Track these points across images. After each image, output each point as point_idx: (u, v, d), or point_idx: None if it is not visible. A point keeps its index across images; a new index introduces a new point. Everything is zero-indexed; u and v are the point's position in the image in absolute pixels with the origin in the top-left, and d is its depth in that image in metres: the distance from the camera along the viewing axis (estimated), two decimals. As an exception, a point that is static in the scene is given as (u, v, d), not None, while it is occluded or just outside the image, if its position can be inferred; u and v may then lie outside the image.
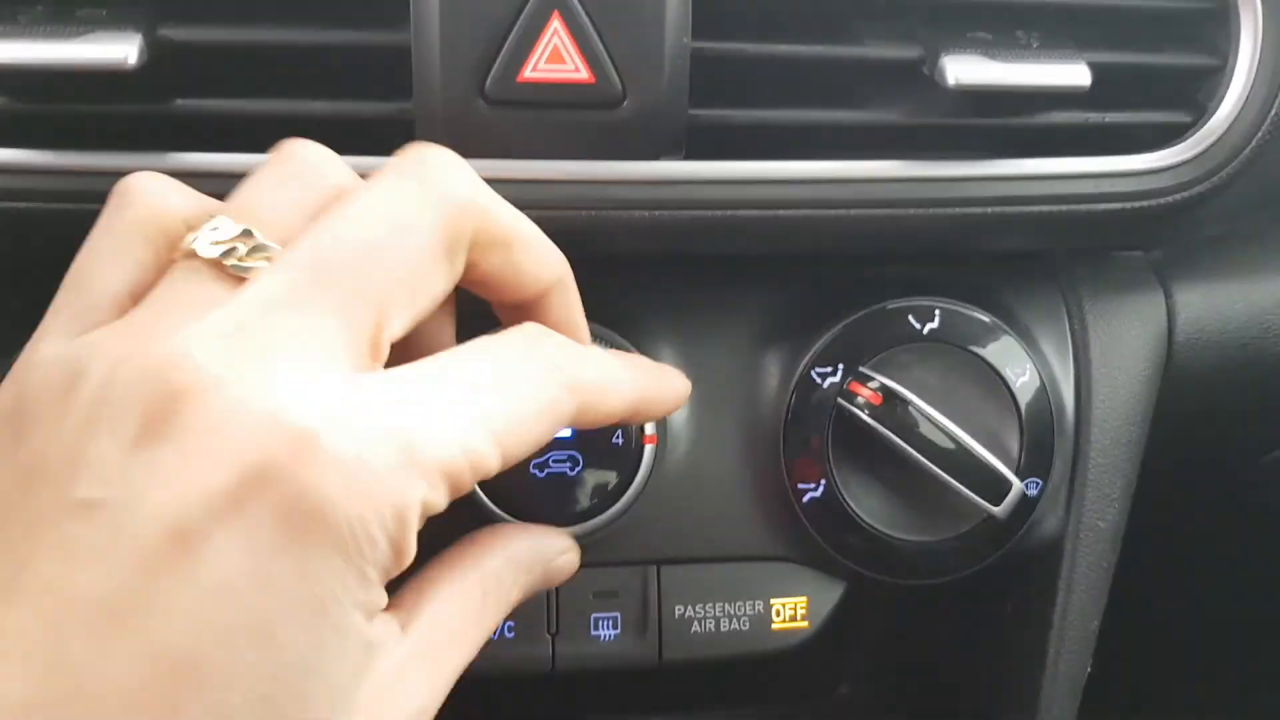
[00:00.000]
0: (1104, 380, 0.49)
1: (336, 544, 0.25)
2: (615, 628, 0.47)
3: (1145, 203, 0.44)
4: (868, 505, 0.46)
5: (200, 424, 0.25)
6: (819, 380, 0.46)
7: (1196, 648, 0.75)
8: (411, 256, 0.29)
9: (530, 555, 0.36)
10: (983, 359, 0.46)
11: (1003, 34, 0.41)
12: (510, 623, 0.46)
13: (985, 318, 0.47)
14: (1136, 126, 0.44)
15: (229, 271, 0.28)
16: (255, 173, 0.31)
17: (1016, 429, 0.46)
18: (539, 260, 0.34)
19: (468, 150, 0.38)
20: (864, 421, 0.44)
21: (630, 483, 0.44)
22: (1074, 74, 0.40)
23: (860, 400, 0.45)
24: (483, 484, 0.42)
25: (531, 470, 0.42)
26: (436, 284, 0.30)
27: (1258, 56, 0.42)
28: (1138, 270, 0.52)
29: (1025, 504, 0.46)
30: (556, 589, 0.46)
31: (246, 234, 0.28)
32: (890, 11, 0.42)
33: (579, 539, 0.43)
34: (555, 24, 0.36)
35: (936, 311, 0.46)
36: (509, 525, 0.37)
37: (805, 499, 0.46)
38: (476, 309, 0.35)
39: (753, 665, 0.48)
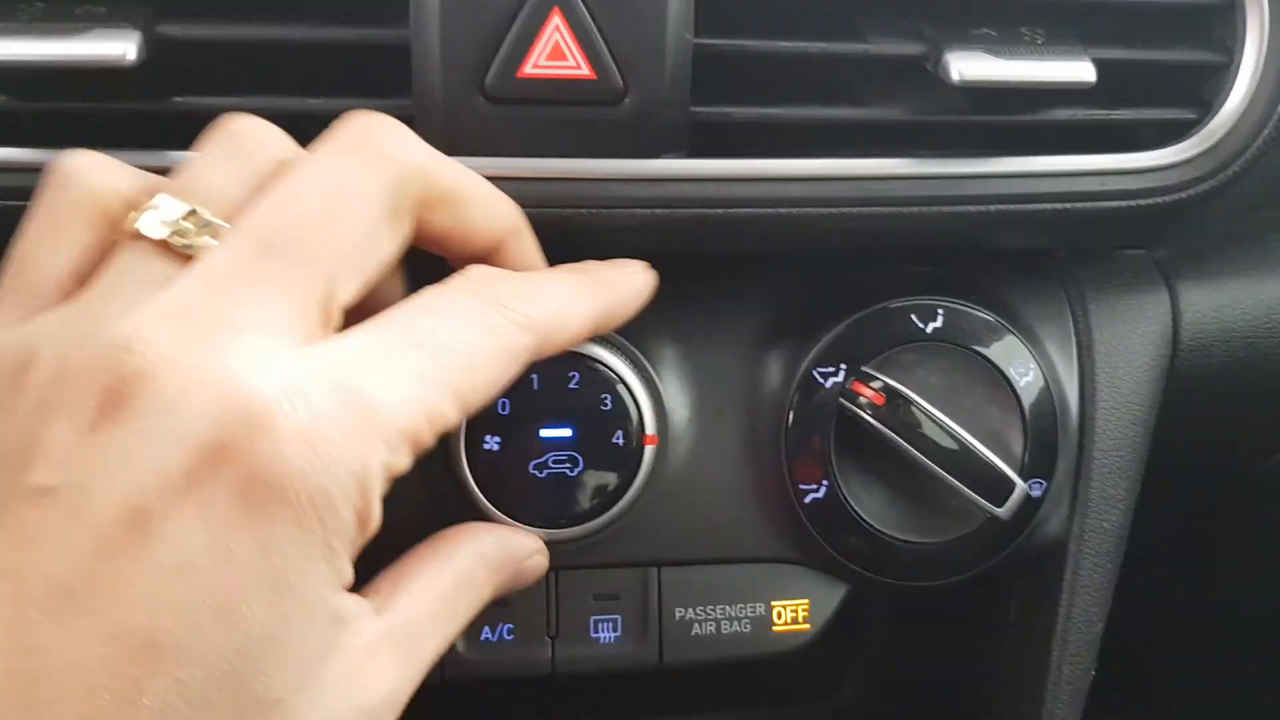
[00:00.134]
0: (1108, 380, 0.49)
1: (297, 516, 0.25)
2: (615, 630, 0.46)
3: (1150, 200, 0.43)
4: (870, 506, 0.46)
5: (154, 405, 0.25)
6: (821, 380, 0.45)
7: (1202, 651, 0.75)
8: (357, 223, 0.29)
9: (500, 554, 0.36)
10: (986, 359, 0.46)
11: (1007, 30, 0.40)
12: (510, 625, 0.45)
13: (989, 317, 0.46)
14: (1141, 123, 0.44)
15: (176, 250, 0.28)
16: (198, 149, 0.31)
17: (1020, 429, 0.46)
18: (490, 214, 0.34)
19: (468, 148, 0.38)
20: (866, 422, 0.44)
21: (631, 484, 0.43)
22: (1078, 70, 0.39)
23: (863, 400, 0.44)
24: (482, 485, 0.42)
25: (531, 471, 0.42)
26: (384, 248, 0.30)
27: (1264, 53, 0.42)
28: (1142, 269, 0.51)
29: (1029, 505, 0.46)
30: (557, 592, 0.45)
31: (192, 212, 0.28)
32: (894, 8, 0.41)
33: (579, 540, 0.43)
34: (556, 19, 0.36)
35: (939, 311, 0.46)
36: (478, 524, 0.37)
37: (807, 500, 0.46)
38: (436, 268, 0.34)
39: (754, 668, 0.48)
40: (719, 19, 0.38)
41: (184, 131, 0.36)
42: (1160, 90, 0.44)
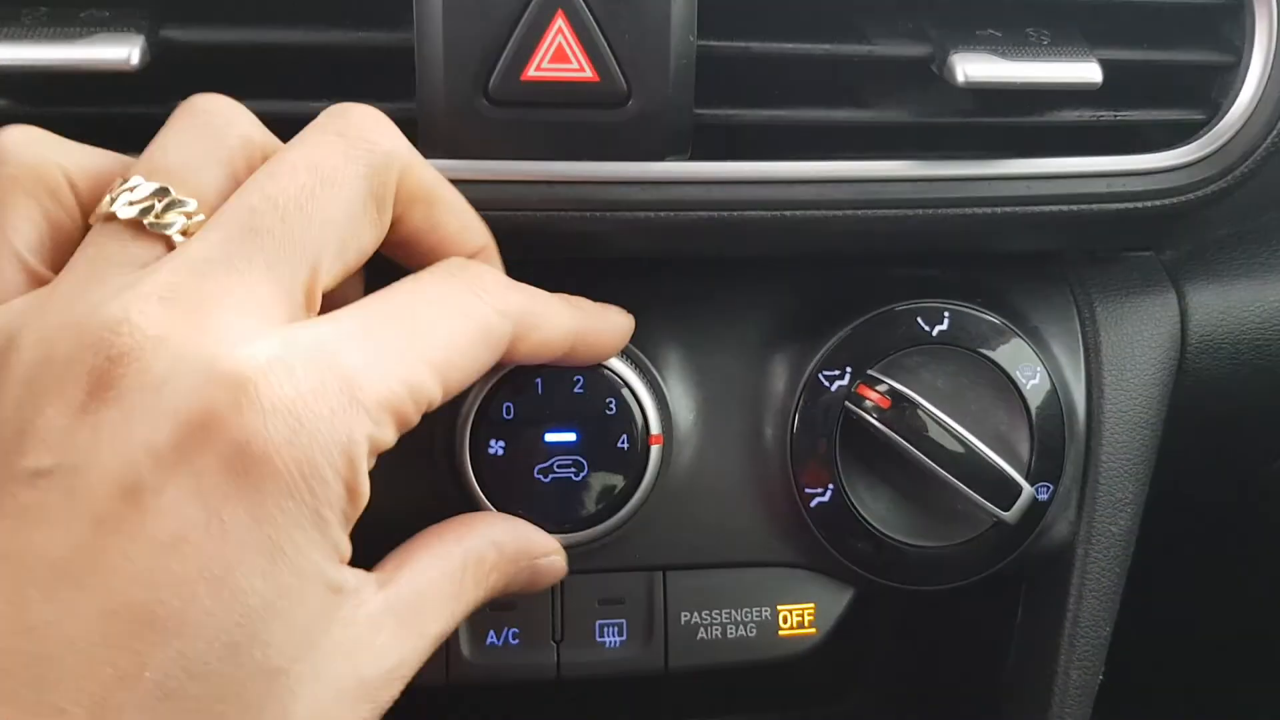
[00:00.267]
0: (1116, 383, 0.49)
1: (287, 487, 0.26)
2: (621, 634, 0.46)
3: (1158, 202, 0.43)
4: (876, 510, 0.46)
5: (141, 383, 0.25)
6: (827, 383, 0.45)
7: (1211, 655, 0.74)
8: (340, 209, 0.29)
9: (515, 544, 0.36)
10: (992, 361, 0.46)
11: (1012, 31, 0.40)
12: (515, 629, 0.45)
13: (995, 319, 0.46)
14: (1149, 125, 0.43)
15: (148, 230, 0.28)
16: (164, 129, 0.31)
17: (1027, 432, 0.46)
18: (462, 224, 0.34)
19: (472, 151, 0.38)
20: (872, 425, 0.44)
21: (636, 488, 0.43)
22: (1085, 71, 0.39)
23: (868, 404, 0.44)
24: (486, 488, 0.42)
25: (536, 475, 0.42)
26: (365, 235, 0.30)
27: (1272, 53, 0.42)
28: (1149, 270, 0.51)
29: (1036, 509, 0.46)
30: (562, 596, 0.45)
31: (162, 191, 0.29)
32: (899, 9, 0.41)
33: (584, 545, 0.43)
34: (559, 23, 0.36)
35: (945, 313, 0.45)
36: (495, 514, 0.38)
37: (813, 504, 0.45)
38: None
39: (760, 672, 0.48)
40: (723, 21, 0.38)
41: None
42: (1168, 91, 0.43)
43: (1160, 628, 0.67)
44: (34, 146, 0.30)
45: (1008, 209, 0.42)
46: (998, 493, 0.44)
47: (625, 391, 0.43)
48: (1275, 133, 0.43)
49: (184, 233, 0.29)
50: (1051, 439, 0.46)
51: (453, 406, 0.42)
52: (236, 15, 0.38)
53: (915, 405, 0.44)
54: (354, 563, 0.30)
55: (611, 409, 0.42)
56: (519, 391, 0.42)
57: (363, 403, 0.27)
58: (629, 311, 0.42)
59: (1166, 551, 0.59)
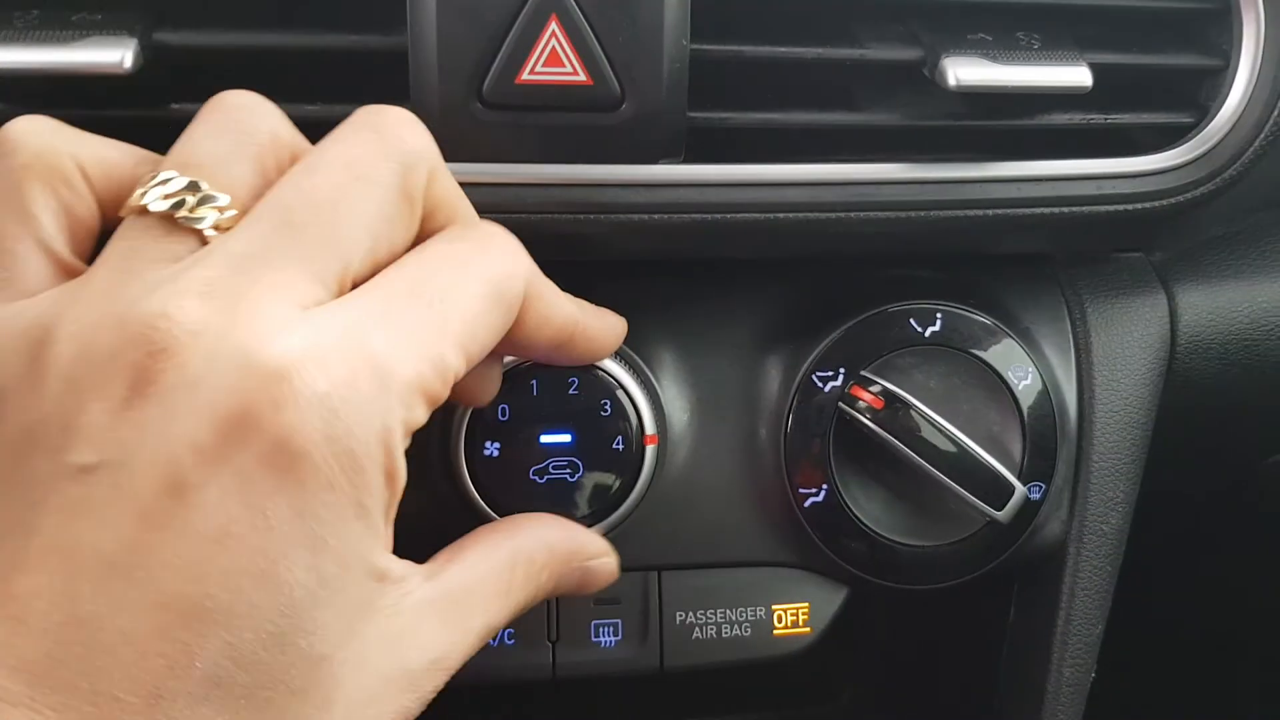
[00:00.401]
0: (1106, 383, 0.49)
1: (327, 480, 0.26)
2: (616, 634, 0.46)
3: (1147, 204, 0.43)
4: (870, 510, 0.46)
5: (181, 380, 0.26)
6: (820, 384, 0.45)
7: (1201, 653, 0.75)
8: (372, 204, 0.30)
9: (566, 545, 0.36)
10: (984, 362, 0.46)
11: (1003, 35, 0.41)
12: (510, 630, 0.45)
13: (987, 320, 0.46)
14: (1138, 128, 0.44)
15: (181, 225, 0.28)
16: (194, 124, 0.31)
17: (1019, 432, 0.46)
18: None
19: (466, 154, 0.38)
20: (866, 425, 0.44)
21: (631, 488, 0.43)
22: (1075, 75, 0.39)
23: (862, 404, 0.44)
24: (482, 490, 0.42)
25: (532, 476, 0.42)
26: (398, 231, 0.31)
27: (1260, 57, 0.42)
28: (1139, 271, 0.51)
29: (1028, 508, 0.46)
30: (557, 596, 0.45)
31: (193, 185, 0.29)
32: (890, 13, 0.41)
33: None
34: (553, 26, 0.36)
35: (938, 315, 0.46)
36: (549, 515, 0.38)
37: (807, 504, 0.46)
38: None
39: (755, 671, 0.48)
40: (716, 25, 0.39)
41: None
42: (1157, 94, 0.44)
43: (1151, 626, 0.68)
44: (45, 135, 0.30)
45: (999, 211, 0.42)
46: (991, 492, 0.44)
47: (620, 393, 0.43)
48: (1263, 135, 0.43)
49: (216, 227, 0.29)
50: (1043, 439, 0.46)
51: (448, 409, 0.42)
52: (229, 18, 0.38)
53: (908, 406, 0.44)
54: None
55: (606, 410, 0.42)
56: (514, 393, 0.42)
57: (394, 388, 0.27)
58: (623, 313, 0.42)
59: (1157, 550, 0.59)
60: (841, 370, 0.45)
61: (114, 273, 0.28)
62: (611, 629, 0.47)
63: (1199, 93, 0.44)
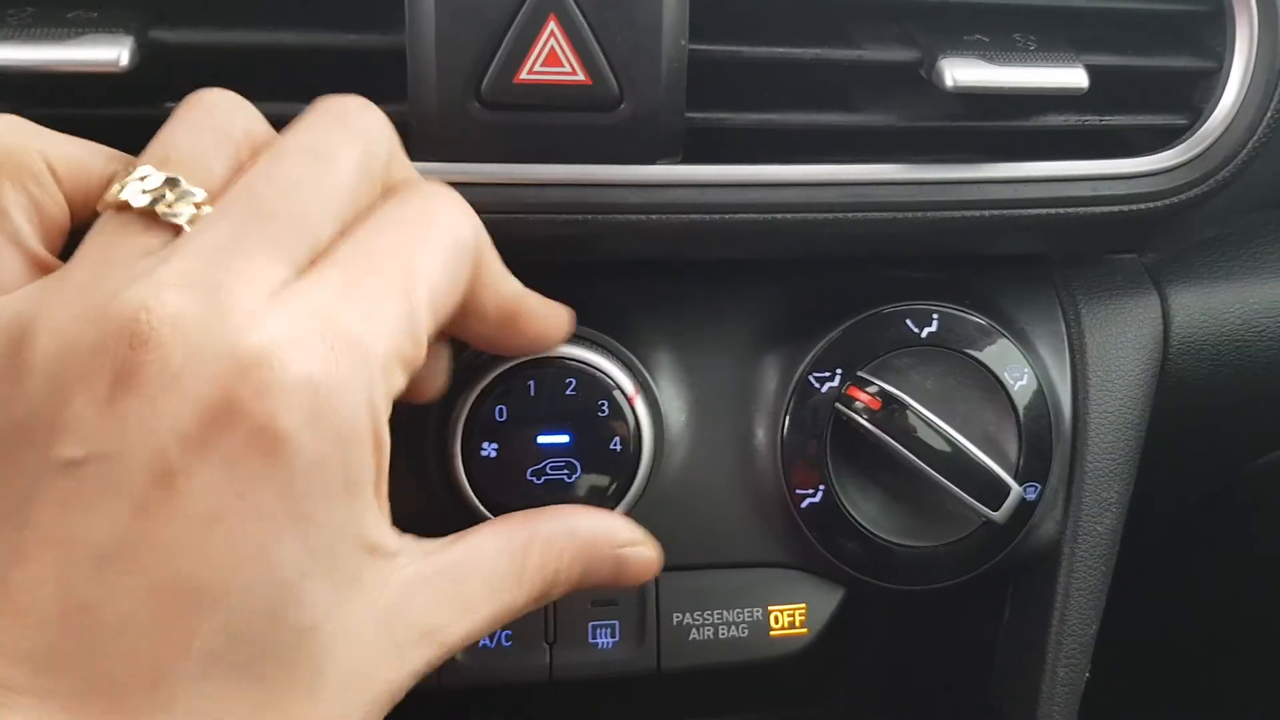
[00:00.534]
0: (1100, 383, 0.49)
1: (312, 459, 0.26)
2: (613, 636, 0.46)
3: (1141, 205, 0.44)
4: (866, 511, 0.46)
5: (163, 371, 0.26)
6: (817, 385, 0.45)
7: (1196, 651, 0.75)
8: (337, 185, 0.30)
9: (593, 530, 0.35)
10: (980, 363, 0.46)
11: (1000, 37, 0.41)
12: (507, 631, 0.45)
13: (982, 321, 0.47)
14: (1133, 129, 0.44)
15: (160, 220, 0.29)
16: (169, 122, 0.31)
17: (1015, 433, 0.46)
18: None
19: (464, 153, 0.38)
20: (862, 426, 0.44)
21: (628, 489, 0.43)
22: (1071, 76, 0.40)
23: (858, 405, 0.45)
24: (479, 491, 0.42)
25: (529, 477, 0.42)
26: (360, 206, 0.31)
27: (1253, 59, 0.42)
28: (1132, 273, 0.52)
29: (1024, 508, 0.46)
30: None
31: (171, 181, 0.29)
32: (887, 14, 0.42)
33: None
34: (551, 26, 0.36)
35: (934, 315, 0.46)
36: (580, 505, 0.37)
37: (804, 505, 0.46)
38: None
39: (752, 672, 0.48)
40: (714, 25, 0.39)
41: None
42: (1151, 96, 0.44)
43: (1144, 626, 0.68)
44: (12, 134, 0.30)
45: (995, 212, 0.43)
46: (987, 493, 0.44)
47: (617, 393, 0.43)
48: (1256, 137, 0.43)
49: (191, 220, 0.29)
50: (1039, 439, 0.47)
51: (445, 408, 0.42)
52: (226, 17, 0.37)
53: (905, 406, 0.44)
54: None
55: (604, 411, 0.42)
56: (511, 394, 0.42)
57: (372, 360, 0.28)
58: (620, 313, 0.42)
59: (1150, 550, 0.60)
60: (838, 371, 0.45)
61: (93, 266, 0.28)
62: (609, 630, 0.46)
63: (1193, 95, 0.44)
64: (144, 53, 0.36)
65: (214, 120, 0.31)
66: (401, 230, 0.31)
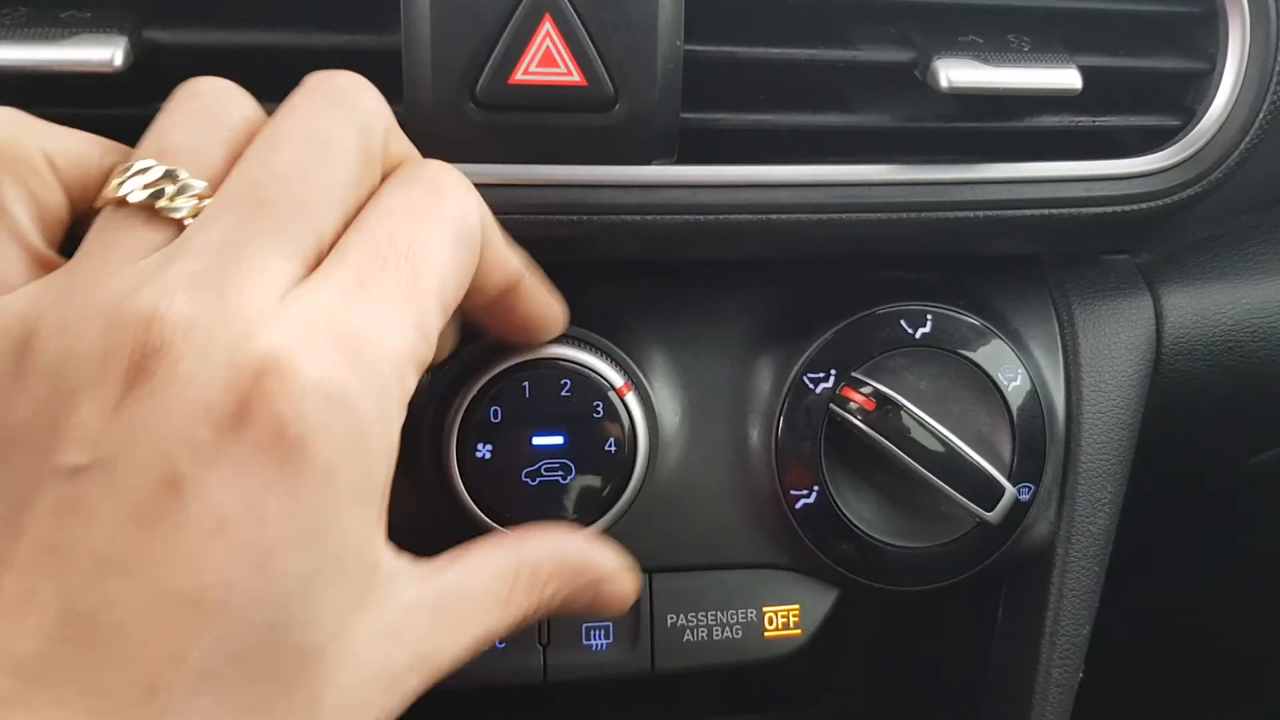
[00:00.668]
0: (1094, 384, 0.50)
1: (323, 469, 0.26)
2: (607, 637, 0.46)
3: (1134, 206, 0.44)
4: (861, 512, 0.46)
5: (174, 376, 0.25)
6: (811, 386, 0.45)
7: (1188, 652, 0.75)
8: (338, 171, 0.29)
9: (576, 558, 0.35)
10: (974, 363, 0.46)
11: (994, 38, 0.41)
12: (501, 633, 0.45)
13: (976, 322, 0.47)
14: (1126, 130, 0.44)
15: (161, 214, 0.28)
16: (164, 112, 0.31)
17: (1009, 433, 0.46)
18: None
19: (459, 154, 0.38)
20: (857, 427, 0.44)
21: (623, 490, 0.43)
22: (1066, 77, 0.40)
23: (853, 406, 0.45)
24: (473, 492, 0.42)
25: (523, 478, 0.42)
26: (363, 194, 0.31)
27: (1245, 60, 0.42)
28: (1125, 274, 0.52)
29: (1018, 509, 0.46)
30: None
31: (170, 175, 0.29)
32: (882, 15, 0.42)
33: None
34: (547, 26, 0.36)
35: (928, 316, 0.46)
36: (565, 527, 0.37)
37: (798, 505, 0.46)
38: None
39: (746, 674, 0.48)
40: (709, 26, 0.39)
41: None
42: (1145, 97, 0.44)
43: (1137, 626, 0.68)
44: (10, 127, 0.30)
45: (989, 212, 0.43)
46: (981, 493, 0.44)
47: (611, 394, 0.43)
48: (1248, 138, 0.44)
49: (193, 213, 0.29)
50: (1033, 440, 0.47)
51: (440, 410, 0.42)
52: (221, 17, 0.37)
53: (899, 407, 0.44)
54: None
55: (598, 412, 0.42)
56: (506, 395, 0.42)
57: (385, 363, 0.27)
58: (615, 314, 0.42)
59: (1143, 551, 0.60)
60: (832, 372, 0.45)
61: (96, 265, 0.28)
62: (602, 632, 0.46)
63: (1185, 96, 0.44)
64: (138, 53, 0.36)
65: (210, 109, 0.30)
66: (407, 220, 0.30)
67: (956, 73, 0.39)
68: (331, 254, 0.29)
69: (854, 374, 0.45)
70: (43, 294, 0.27)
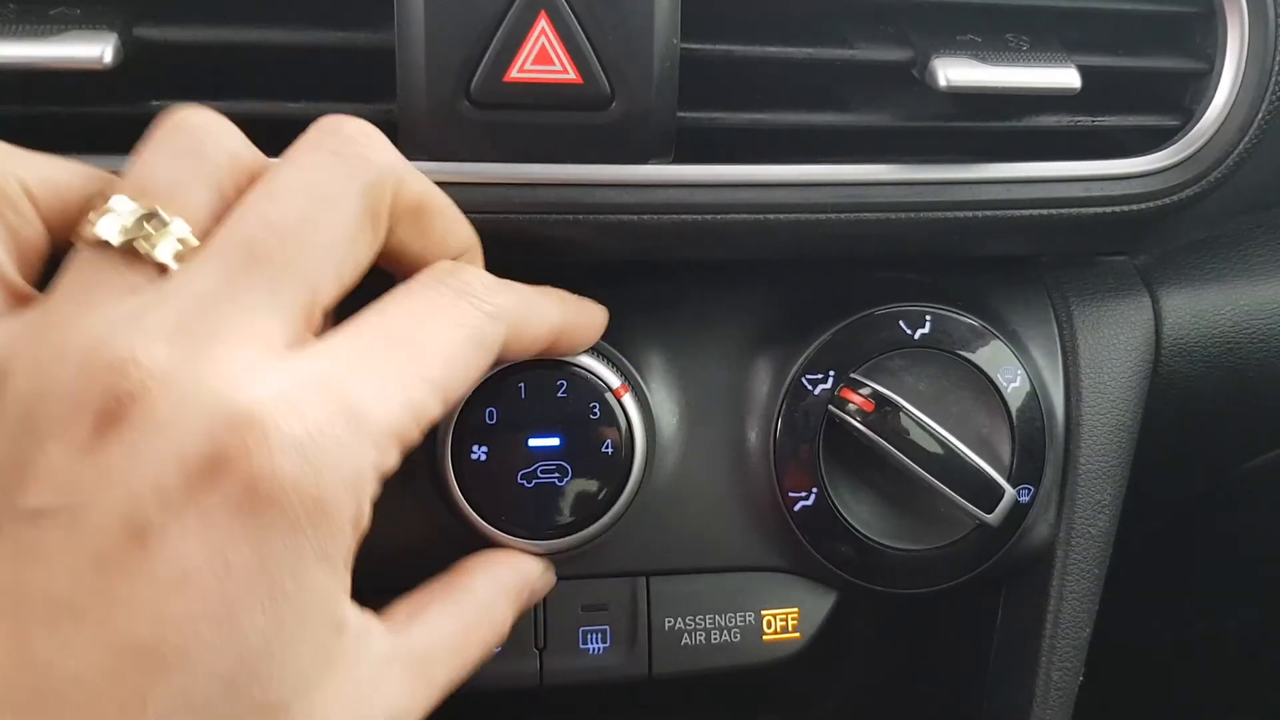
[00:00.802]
0: (1093, 385, 0.49)
1: (292, 526, 0.25)
2: (604, 641, 0.46)
3: (1133, 206, 0.44)
4: (860, 514, 0.46)
5: (148, 424, 0.25)
6: (810, 387, 0.45)
7: (1188, 653, 0.75)
8: (337, 229, 0.29)
9: (517, 582, 0.38)
10: (974, 364, 0.46)
11: (992, 37, 0.41)
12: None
13: (975, 323, 0.46)
14: (1125, 130, 0.44)
15: (141, 256, 0.28)
16: (147, 145, 0.30)
17: (1008, 435, 0.46)
18: (448, 228, 0.34)
19: (453, 152, 0.38)
20: (856, 428, 0.44)
21: (620, 493, 0.43)
22: (1064, 77, 0.40)
23: (852, 407, 0.44)
24: (469, 495, 0.41)
25: (520, 481, 0.42)
26: (362, 253, 0.30)
27: (1244, 60, 0.42)
28: (1123, 275, 0.52)
29: (1017, 511, 0.46)
30: (544, 602, 0.45)
31: (151, 215, 0.28)
32: (880, 14, 0.41)
33: (568, 551, 0.42)
34: (542, 23, 0.36)
35: (927, 317, 0.46)
36: (491, 553, 0.38)
37: (797, 508, 0.45)
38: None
39: (744, 677, 0.48)
40: (706, 24, 0.38)
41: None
42: (1143, 97, 0.44)
43: (1136, 628, 0.68)
44: None
45: (988, 212, 0.42)
46: (980, 495, 0.44)
47: (608, 396, 0.42)
48: (1247, 139, 0.43)
49: (177, 257, 0.28)
50: (1032, 441, 0.46)
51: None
52: (212, 14, 0.37)
53: (898, 408, 0.44)
54: None
55: (595, 414, 0.42)
56: (502, 397, 0.41)
57: (368, 433, 0.27)
58: (611, 316, 0.42)
59: (1142, 553, 0.59)
60: (831, 373, 0.45)
61: (73, 305, 0.27)
62: (599, 635, 0.46)
63: (1184, 96, 0.44)
64: (128, 50, 0.35)
65: (194, 144, 0.29)
66: (430, 319, 0.30)
67: (955, 72, 0.38)
68: (342, 327, 0.29)
69: (852, 375, 0.45)
70: (15, 331, 0.27)
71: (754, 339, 0.47)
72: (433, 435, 0.42)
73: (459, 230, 0.34)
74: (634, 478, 0.43)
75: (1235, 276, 0.53)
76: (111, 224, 0.28)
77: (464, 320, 0.31)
